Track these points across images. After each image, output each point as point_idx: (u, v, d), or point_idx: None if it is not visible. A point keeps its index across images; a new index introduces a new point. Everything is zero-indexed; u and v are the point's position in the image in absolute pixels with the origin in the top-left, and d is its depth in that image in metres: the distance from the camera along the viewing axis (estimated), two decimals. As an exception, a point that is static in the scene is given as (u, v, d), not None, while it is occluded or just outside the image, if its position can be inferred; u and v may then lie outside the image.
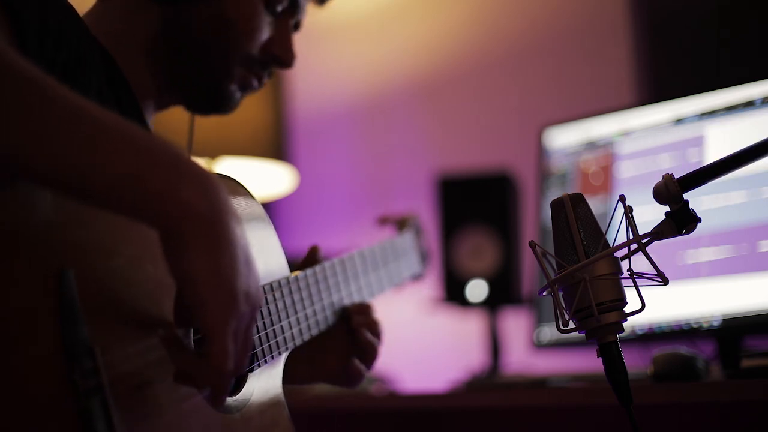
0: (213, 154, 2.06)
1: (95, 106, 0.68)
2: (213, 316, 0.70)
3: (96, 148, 0.66)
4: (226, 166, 2.13)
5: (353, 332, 1.15)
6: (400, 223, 1.39)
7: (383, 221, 1.40)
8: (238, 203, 0.96)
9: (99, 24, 1.05)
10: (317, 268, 1.11)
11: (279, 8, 1.12)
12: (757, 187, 1.37)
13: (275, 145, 2.26)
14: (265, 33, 1.11)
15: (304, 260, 1.17)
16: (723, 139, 1.44)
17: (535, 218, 1.72)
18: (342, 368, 1.16)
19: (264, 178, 2.32)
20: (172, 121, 1.32)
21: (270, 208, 0.93)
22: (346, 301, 1.17)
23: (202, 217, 0.70)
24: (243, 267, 0.73)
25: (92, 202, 0.69)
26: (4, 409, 0.63)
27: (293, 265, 1.10)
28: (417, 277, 1.40)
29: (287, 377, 1.11)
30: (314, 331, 1.08)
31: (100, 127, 0.67)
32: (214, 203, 0.71)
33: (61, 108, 0.66)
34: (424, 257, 1.43)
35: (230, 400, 0.88)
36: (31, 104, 0.65)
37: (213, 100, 1.13)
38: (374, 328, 1.17)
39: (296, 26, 1.17)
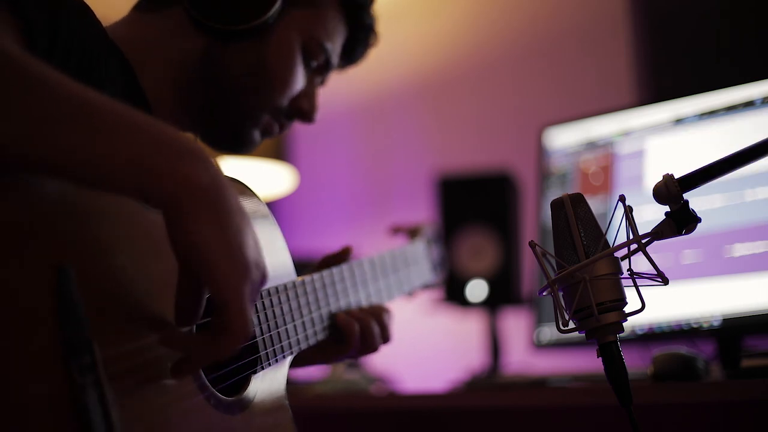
0: (213, 154, 2.06)
1: (96, 93, 0.69)
2: (227, 281, 0.69)
3: (99, 135, 0.66)
4: (226, 166, 2.12)
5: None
6: (412, 232, 1.39)
7: (395, 231, 1.40)
8: (246, 204, 0.96)
9: (129, 33, 1.04)
10: (325, 272, 1.11)
11: (315, 64, 1.14)
12: (758, 187, 1.37)
13: (275, 145, 2.26)
14: (300, 86, 1.13)
15: (335, 256, 1.18)
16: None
17: (535, 218, 1.72)
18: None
19: (264, 178, 2.32)
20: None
21: (270, 208, 0.95)
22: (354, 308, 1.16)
23: (204, 190, 0.69)
24: (250, 237, 0.73)
25: (93, 186, 0.69)
26: (0, 403, 0.63)
27: (300, 266, 1.10)
28: (429, 286, 1.40)
29: (303, 360, 1.10)
30: (320, 336, 1.07)
31: (102, 112, 0.67)
32: (215, 177, 0.71)
33: (64, 96, 0.66)
34: (438, 266, 1.43)
35: (232, 400, 0.88)
36: (33, 92, 0.65)
37: (234, 140, 1.15)
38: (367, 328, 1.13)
39: (321, 82, 1.20)
